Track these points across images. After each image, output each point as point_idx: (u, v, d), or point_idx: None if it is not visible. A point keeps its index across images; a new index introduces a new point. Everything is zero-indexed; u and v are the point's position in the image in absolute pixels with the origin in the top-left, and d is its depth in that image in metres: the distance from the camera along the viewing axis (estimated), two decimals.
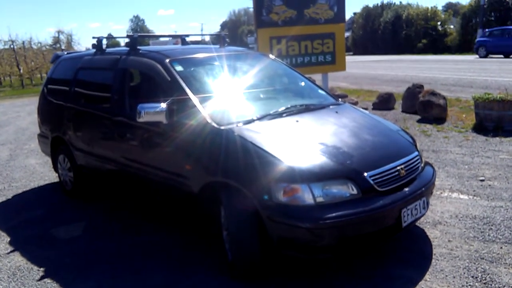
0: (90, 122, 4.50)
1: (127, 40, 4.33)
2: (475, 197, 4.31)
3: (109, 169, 4.30)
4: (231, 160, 2.97)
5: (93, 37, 4.66)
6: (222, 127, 3.14)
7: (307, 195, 2.68)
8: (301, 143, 3.01)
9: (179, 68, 3.67)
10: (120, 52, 4.33)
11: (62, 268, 3.40)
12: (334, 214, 2.64)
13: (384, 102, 9.54)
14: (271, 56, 4.83)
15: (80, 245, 3.80)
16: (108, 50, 4.70)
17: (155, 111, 3.32)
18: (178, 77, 3.54)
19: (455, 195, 4.41)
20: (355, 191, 2.76)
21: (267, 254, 2.89)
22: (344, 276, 2.98)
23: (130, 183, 4.16)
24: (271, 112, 3.42)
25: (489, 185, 4.61)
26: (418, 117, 8.33)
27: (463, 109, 8.89)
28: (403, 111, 9.05)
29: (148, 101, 3.44)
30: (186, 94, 3.40)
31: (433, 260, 3.13)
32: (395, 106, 9.65)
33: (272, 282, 2.97)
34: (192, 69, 3.80)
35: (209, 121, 3.19)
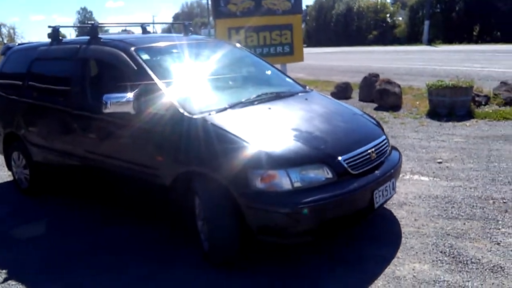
0: (48, 116, 4.29)
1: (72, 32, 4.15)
2: (435, 178, 4.51)
3: (70, 165, 4.13)
4: (206, 149, 2.93)
5: (49, 26, 4.42)
6: (195, 116, 3.08)
7: (285, 181, 2.69)
8: (275, 130, 3.02)
9: (145, 56, 3.56)
10: (79, 42, 4.15)
11: (26, 270, 3.24)
12: (312, 198, 2.67)
13: (342, 92, 9.75)
14: (236, 44, 4.80)
15: (45, 244, 3.63)
16: (66, 39, 4.48)
17: (121, 101, 3.22)
18: (145, 66, 3.43)
19: (416, 177, 4.59)
20: (330, 175, 2.80)
21: (245, 241, 2.88)
22: (319, 260, 3.04)
23: (94, 178, 4.01)
24: (243, 100, 3.40)
25: (447, 167, 4.84)
26: (375, 105, 8.58)
27: (416, 96, 9.26)
28: (360, 100, 9.30)
29: (112, 91, 3.33)
30: (154, 83, 3.31)
31: (403, 239, 3.25)
32: (352, 95, 9.90)
33: (248, 268, 2.97)
34: (159, 57, 3.70)
35: (181, 110, 3.13)
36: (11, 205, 4.61)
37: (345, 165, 2.87)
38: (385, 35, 36.77)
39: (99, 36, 4.00)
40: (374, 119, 3.76)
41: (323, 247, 3.17)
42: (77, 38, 4.63)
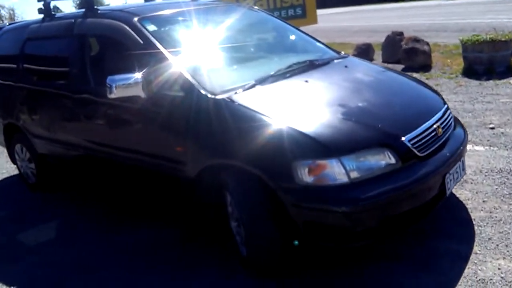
0: (48, 103, 3.77)
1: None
2: (492, 148, 3.93)
3: (77, 157, 3.64)
4: (237, 136, 2.39)
5: (39, 1, 3.84)
6: (218, 96, 2.53)
7: (339, 171, 2.15)
8: (319, 109, 2.44)
9: (151, 27, 2.98)
10: (73, 16, 3.56)
11: (35, 285, 2.80)
12: (374, 192, 2.14)
13: (363, 54, 9.02)
14: (250, 5, 4.14)
15: (55, 251, 3.19)
16: (60, 14, 3.89)
17: (129, 83, 2.67)
18: (152, 38, 2.86)
19: (469, 147, 4.01)
20: (393, 160, 2.25)
21: (290, 245, 2.38)
22: (383, 261, 2.52)
23: (103, 173, 3.53)
24: (272, 73, 2.82)
25: (502, 133, 4.25)
26: (401, 66, 7.88)
27: (444, 54, 8.54)
28: (384, 61, 8.58)
29: (117, 72, 2.78)
30: (166, 59, 2.74)
31: (475, 228, 2.72)
32: (374, 57, 9.18)
33: (297, 277, 2.48)
34: (167, 27, 3.12)
35: (201, 90, 2.57)
36: (18, 203, 4.18)
37: (411, 147, 2.31)
38: None
39: (96, 7, 3.41)
40: (429, 85, 3.16)
41: (384, 245, 2.65)
42: (72, 12, 4.04)
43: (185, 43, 3.01)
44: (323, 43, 3.73)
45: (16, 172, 4.81)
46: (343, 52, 3.55)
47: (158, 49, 2.79)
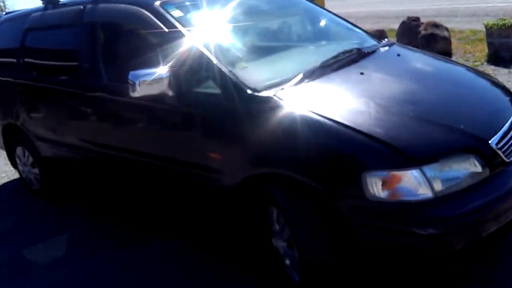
0: (53, 101, 3.37)
1: None
2: None
3: (88, 162, 3.24)
4: (288, 141, 2.00)
5: None
6: (262, 93, 2.14)
7: (421, 184, 1.78)
8: (386, 107, 2.05)
9: (176, 13, 2.57)
10: (82, 1, 3.12)
11: None
12: (466, 208, 1.77)
13: None
14: None
15: (68, 270, 2.81)
16: (65, 1, 3.46)
17: (155, 78, 2.28)
18: (179, 25, 2.46)
19: None
20: (480, 168, 1.87)
21: (357, 272, 2.01)
22: (449, 285, 2.16)
23: (120, 179, 3.14)
24: (318, 64, 2.42)
25: None
26: None
27: (462, 40, 8.15)
28: None
29: (136, 66, 2.39)
30: (196, 50, 2.34)
31: None
32: None
33: None
34: (195, 13, 2.69)
35: (241, 86, 2.18)
36: (21, 212, 3.79)
37: (498, 151, 1.94)
38: None
39: None
40: (492, 77, 2.78)
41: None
42: None
43: (217, 31, 2.60)
44: (359, 27, 3.33)
45: (16, 176, 4.41)
46: (386, 39, 3.15)
47: (187, 38, 2.39)
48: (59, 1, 3.46)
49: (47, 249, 3.12)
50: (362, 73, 2.34)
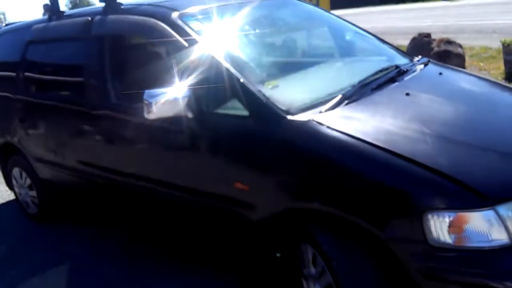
0: (55, 119, 3.09)
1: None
2: None
3: (92, 187, 2.96)
4: (333, 173, 1.72)
5: None
6: (298, 117, 1.87)
7: (495, 227, 1.49)
8: (444, 134, 1.78)
9: (196, 25, 2.30)
10: (89, 13, 2.87)
11: None
12: None
13: None
14: None
15: None
16: (70, 12, 3.20)
17: (173, 98, 2.01)
18: (200, 39, 2.19)
19: None
20: None
21: None
22: None
23: (126, 206, 2.84)
24: (357, 83, 2.15)
25: None
26: None
27: (474, 57, 7.97)
28: None
29: (150, 84, 2.12)
30: (220, 66, 2.07)
31: None
32: None
33: None
34: (217, 26, 2.42)
35: (274, 107, 1.91)
36: (16, 236, 3.47)
37: None
38: None
39: (118, 1, 2.72)
40: None
41: None
42: (86, 8, 3.34)
43: (241, 46, 2.34)
44: (387, 42, 3.07)
45: (12, 197, 4.10)
46: (420, 56, 2.89)
47: (209, 54, 2.12)
48: (64, 12, 3.20)
49: (43, 283, 2.80)
50: (407, 94, 2.07)
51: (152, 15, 2.39)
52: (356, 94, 2.03)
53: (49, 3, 3.17)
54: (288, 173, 1.83)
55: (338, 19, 3.19)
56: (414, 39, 8.00)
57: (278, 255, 2.06)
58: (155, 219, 2.72)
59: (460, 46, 7.25)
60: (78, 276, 2.85)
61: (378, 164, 1.64)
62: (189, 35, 2.21)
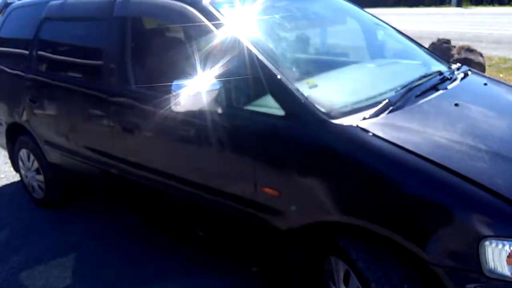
0: (69, 102, 2.94)
1: None
2: None
3: (104, 177, 2.81)
4: (380, 187, 1.57)
5: None
6: (340, 121, 1.72)
7: None
8: (501, 151, 1.62)
9: (229, 13, 2.14)
10: None
11: None
12: None
13: None
14: None
15: None
16: None
17: (202, 92, 1.86)
18: (233, 28, 2.03)
19: None
20: None
21: None
22: None
23: (142, 201, 2.70)
24: (401, 88, 1.99)
25: None
26: None
27: (492, 67, 7.79)
28: None
29: (177, 74, 1.98)
30: (255, 59, 1.91)
31: None
32: None
33: None
34: (253, 15, 2.26)
35: (314, 108, 1.76)
36: (22, 222, 3.33)
37: None
38: None
39: None
40: None
41: None
42: None
43: (277, 38, 2.18)
44: (422, 46, 2.90)
45: (17, 178, 3.96)
46: (458, 63, 2.73)
47: (243, 45, 1.96)
48: None
49: (49, 274, 2.66)
50: (456, 105, 1.91)
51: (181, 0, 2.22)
52: (401, 100, 1.87)
53: None
54: (326, 182, 1.68)
55: (372, 17, 3.02)
56: (433, 44, 7.81)
57: (254, 269, 1.91)
58: (168, 216, 2.58)
59: (481, 55, 7.08)
60: (82, 264, 2.72)
61: (430, 181, 1.49)
62: (220, 23, 2.05)
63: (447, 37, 12.02)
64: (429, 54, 2.78)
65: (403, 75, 2.23)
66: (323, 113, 1.75)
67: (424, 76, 2.18)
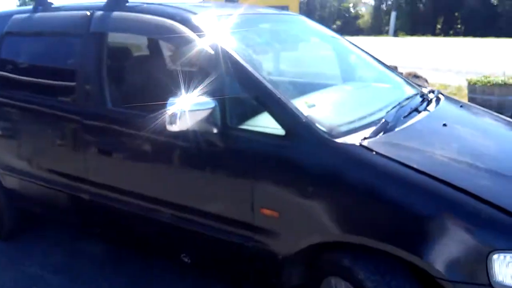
0: (33, 123, 2.73)
1: None
2: None
3: (73, 201, 2.61)
4: (381, 204, 1.58)
5: None
6: (344, 141, 1.73)
7: None
8: (499, 170, 1.69)
9: (220, 31, 2.11)
10: (88, 7, 2.57)
11: None
12: None
13: None
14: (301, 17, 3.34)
15: None
16: (60, 5, 2.87)
17: (202, 109, 1.80)
18: (230, 50, 2.00)
19: None
20: None
21: None
22: None
23: (122, 226, 2.52)
24: (392, 110, 2.04)
25: None
26: None
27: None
28: None
29: (165, 92, 1.91)
30: (252, 78, 1.89)
31: None
32: None
33: None
34: (242, 34, 2.25)
35: (315, 128, 1.76)
36: None
37: None
38: (348, 25, 36.28)
39: None
40: None
41: None
42: (80, 3, 2.99)
43: (271, 59, 2.17)
44: (390, 68, 3.03)
45: None
46: (427, 87, 2.86)
47: (239, 63, 1.93)
48: (52, 3, 2.88)
49: None
50: (445, 125, 1.99)
51: (171, 17, 2.16)
52: (394, 120, 1.92)
53: None
54: (331, 201, 1.67)
55: (345, 40, 3.12)
56: None
57: None
58: (148, 242, 2.43)
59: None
60: None
61: (438, 198, 1.52)
62: (213, 40, 2.01)
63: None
64: (401, 78, 2.90)
65: (385, 96, 2.31)
66: (325, 132, 1.75)
67: (407, 98, 2.26)
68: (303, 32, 2.85)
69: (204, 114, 1.82)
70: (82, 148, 2.40)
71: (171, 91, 1.92)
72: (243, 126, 1.90)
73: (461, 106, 2.43)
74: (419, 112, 2.14)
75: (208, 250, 2.14)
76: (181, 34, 2.07)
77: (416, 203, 1.54)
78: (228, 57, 1.95)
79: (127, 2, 2.43)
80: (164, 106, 1.83)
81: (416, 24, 30.54)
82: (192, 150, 1.96)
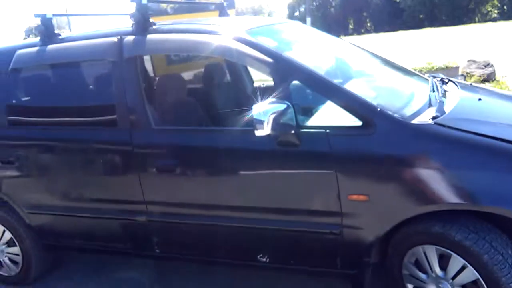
0: (66, 155, 2.62)
1: None
2: None
3: (126, 226, 2.56)
4: (469, 169, 1.81)
5: (36, 15, 2.74)
6: (417, 121, 1.94)
7: None
8: None
9: (269, 42, 2.25)
10: (112, 34, 2.52)
11: None
12: None
13: None
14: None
15: None
16: (69, 36, 2.77)
17: (283, 112, 1.93)
18: (283, 55, 2.14)
19: None
20: None
21: None
22: None
23: (188, 240, 2.49)
24: (433, 93, 2.28)
25: None
26: None
27: None
28: None
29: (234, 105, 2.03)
30: (319, 79, 2.05)
31: None
32: None
33: None
34: (283, 42, 2.39)
35: (392, 116, 1.94)
36: None
37: None
38: None
39: (151, 21, 2.48)
40: None
41: None
42: (92, 32, 2.87)
43: (313, 60, 2.33)
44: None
45: None
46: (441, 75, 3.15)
47: (301, 67, 2.08)
48: (59, 34, 2.80)
49: None
50: (480, 99, 2.28)
51: (213, 34, 2.25)
52: (441, 102, 2.16)
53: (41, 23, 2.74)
54: (422, 176, 1.84)
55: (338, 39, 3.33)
56: None
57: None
58: (219, 250, 2.44)
59: None
60: None
61: None
62: (269, 51, 2.14)
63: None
64: (406, 69, 3.16)
65: (411, 84, 2.56)
66: (399, 117, 1.94)
67: (439, 80, 2.54)
68: (312, 36, 3.05)
69: (283, 116, 1.93)
70: (134, 171, 2.39)
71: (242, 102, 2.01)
72: (315, 124, 2.04)
73: (470, 84, 2.77)
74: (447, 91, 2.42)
75: (289, 246, 2.23)
76: (230, 51, 2.18)
77: (501, 165, 1.77)
78: (291, 63, 2.09)
79: (155, 24, 2.47)
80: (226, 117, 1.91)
81: (330, 26, 32.33)
82: (273, 153, 2.06)
